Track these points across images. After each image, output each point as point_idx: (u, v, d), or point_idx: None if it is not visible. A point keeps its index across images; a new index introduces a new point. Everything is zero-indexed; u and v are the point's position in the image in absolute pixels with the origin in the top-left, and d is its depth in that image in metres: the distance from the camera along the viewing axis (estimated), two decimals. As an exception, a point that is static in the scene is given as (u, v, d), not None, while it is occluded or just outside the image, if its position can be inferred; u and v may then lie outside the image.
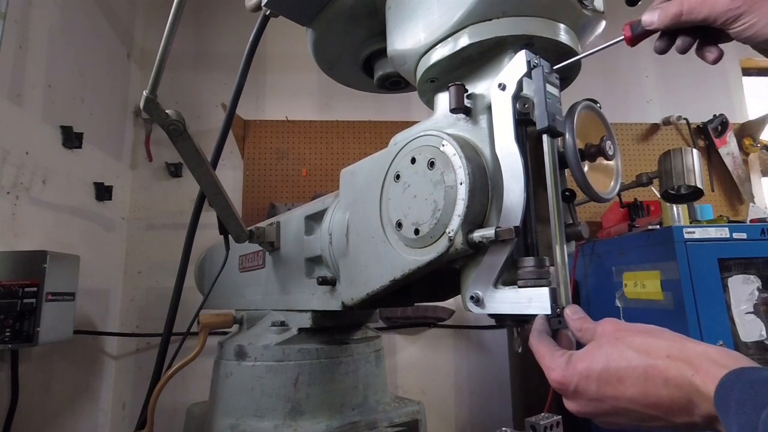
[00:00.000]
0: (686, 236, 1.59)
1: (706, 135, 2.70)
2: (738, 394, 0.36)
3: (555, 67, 0.61)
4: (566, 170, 0.65)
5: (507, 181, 0.59)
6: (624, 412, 0.44)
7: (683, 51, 0.55)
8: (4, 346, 1.43)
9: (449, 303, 2.33)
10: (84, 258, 1.71)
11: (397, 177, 0.70)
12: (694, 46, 0.55)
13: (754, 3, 0.47)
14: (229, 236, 1.03)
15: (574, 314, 0.52)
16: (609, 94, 2.74)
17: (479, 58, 0.68)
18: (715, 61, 0.54)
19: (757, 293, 1.61)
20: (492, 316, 0.63)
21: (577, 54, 0.69)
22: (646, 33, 0.54)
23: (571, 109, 0.64)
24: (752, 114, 2.85)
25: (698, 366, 0.40)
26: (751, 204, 2.59)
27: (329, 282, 0.88)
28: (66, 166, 1.94)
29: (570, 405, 0.48)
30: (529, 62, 0.59)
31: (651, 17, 0.52)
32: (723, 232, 1.62)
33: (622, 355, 0.44)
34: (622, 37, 0.56)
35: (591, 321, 0.51)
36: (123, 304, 2.38)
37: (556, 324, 0.55)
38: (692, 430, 0.42)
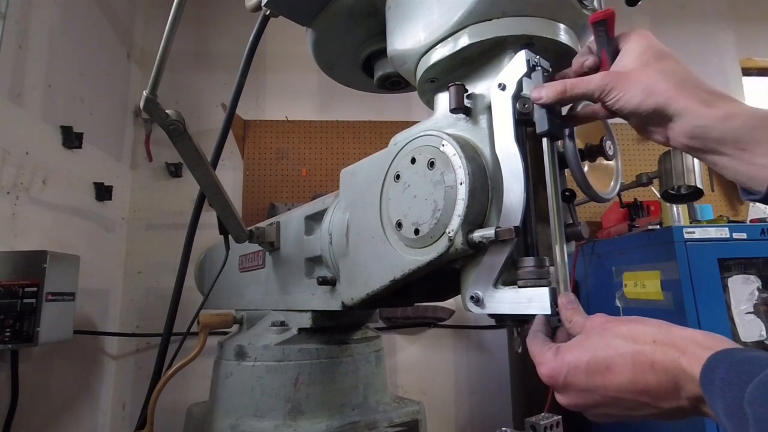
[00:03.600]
0: (686, 236, 1.59)
1: (707, 135, 2.70)
2: (723, 374, 0.36)
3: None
4: (566, 170, 0.65)
5: (507, 181, 0.59)
6: (614, 402, 0.44)
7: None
8: (4, 346, 1.43)
9: (449, 303, 2.33)
10: (84, 258, 1.71)
11: (397, 177, 0.70)
12: None
13: (617, 79, 0.53)
14: (229, 236, 1.03)
15: (567, 303, 0.53)
16: (609, 94, 2.73)
17: (479, 58, 0.68)
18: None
19: (757, 293, 1.61)
20: (492, 316, 0.63)
21: (577, 54, 0.69)
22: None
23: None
24: (752, 114, 2.84)
25: (684, 349, 0.41)
26: (751, 204, 2.59)
27: (329, 282, 0.88)
28: (66, 166, 1.94)
29: (561, 398, 0.48)
30: (528, 62, 0.59)
31: (539, 93, 0.57)
32: (723, 232, 1.62)
33: (610, 343, 0.45)
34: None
35: (582, 314, 0.51)
36: (123, 304, 2.38)
37: (555, 322, 0.55)
38: (679, 414, 0.43)
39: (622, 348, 0.44)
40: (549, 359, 0.48)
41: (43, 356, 1.79)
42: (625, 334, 0.45)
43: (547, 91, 0.57)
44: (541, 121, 0.57)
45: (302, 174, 2.55)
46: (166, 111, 0.82)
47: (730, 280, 1.61)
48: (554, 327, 0.55)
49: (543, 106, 0.57)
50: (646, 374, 0.42)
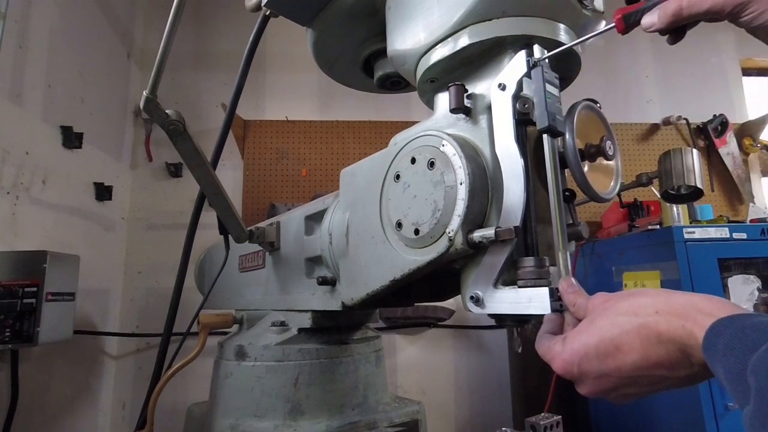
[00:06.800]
0: (686, 236, 1.59)
1: (706, 135, 2.71)
2: (728, 339, 0.36)
3: (548, 55, 0.60)
4: (566, 170, 0.65)
5: (507, 181, 0.59)
6: (631, 381, 0.44)
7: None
8: (4, 346, 1.43)
9: (449, 303, 2.33)
10: (84, 258, 1.71)
11: (397, 177, 0.70)
12: None
13: None
14: (229, 236, 1.03)
15: (568, 288, 0.52)
16: (609, 94, 2.74)
17: (479, 58, 0.68)
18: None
19: (757, 293, 1.61)
20: (492, 316, 0.63)
21: (577, 54, 0.69)
22: (639, 22, 0.54)
23: (571, 109, 0.64)
24: (752, 114, 2.85)
25: (686, 316, 0.40)
26: (751, 204, 2.59)
27: (329, 282, 0.88)
28: (66, 166, 1.94)
29: (580, 389, 0.48)
30: (528, 62, 0.59)
31: (651, 19, 0.51)
32: (723, 232, 1.62)
33: (614, 322, 0.44)
34: (613, 25, 0.55)
35: (584, 295, 0.51)
36: (123, 304, 2.38)
37: (557, 306, 0.54)
38: (696, 380, 0.42)
39: (627, 324, 0.43)
40: (558, 352, 0.48)
41: (43, 356, 1.79)
42: (626, 309, 0.44)
43: (660, 15, 0.50)
44: (541, 117, 0.57)
45: (302, 174, 2.55)
46: (166, 111, 0.82)
47: (730, 280, 1.61)
48: (560, 311, 0.54)
49: (660, 32, 0.51)
50: (655, 347, 0.41)
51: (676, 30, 0.52)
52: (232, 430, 0.93)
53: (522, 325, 0.67)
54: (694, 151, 1.76)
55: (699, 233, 1.60)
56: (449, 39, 0.68)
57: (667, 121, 2.72)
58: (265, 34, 0.94)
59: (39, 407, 1.78)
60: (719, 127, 2.68)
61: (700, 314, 0.40)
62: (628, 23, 0.54)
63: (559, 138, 0.60)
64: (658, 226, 1.80)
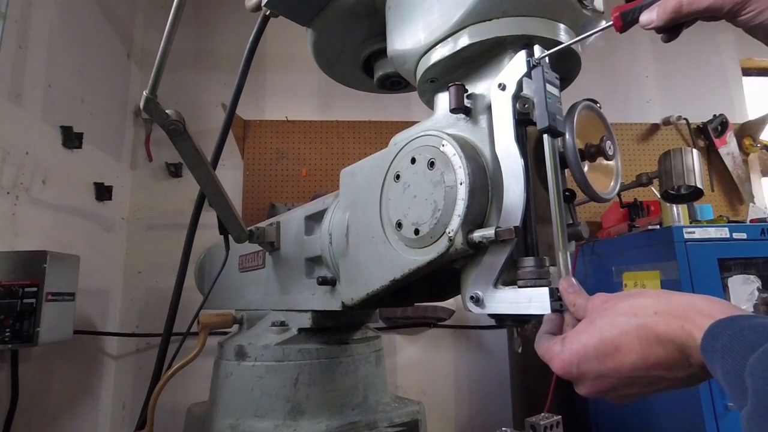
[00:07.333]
0: (686, 236, 1.59)
1: (706, 135, 2.71)
2: (726, 340, 0.36)
3: (546, 54, 0.60)
4: (566, 170, 0.65)
5: (507, 181, 0.59)
6: (630, 381, 0.44)
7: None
8: (4, 346, 1.43)
9: (449, 303, 2.33)
10: (84, 258, 1.71)
11: (397, 177, 0.70)
12: None
13: None
14: (229, 236, 1.03)
15: (569, 288, 0.52)
16: (609, 94, 2.74)
17: (479, 58, 0.68)
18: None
19: (757, 293, 1.61)
20: (492, 316, 0.63)
21: (577, 54, 0.69)
22: (637, 20, 0.54)
23: (571, 109, 0.64)
24: (752, 114, 2.85)
25: (686, 317, 0.40)
26: (751, 204, 2.59)
27: (329, 282, 0.88)
28: (66, 166, 1.94)
29: (579, 389, 0.48)
30: (528, 62, 0.59)
31: (650, 16, 0.51)
32: (723, 232, 1.62)
33: (613, 323, 0.44)
34: (611, 23, 0.55)
35: (584, 296, 0.51)
36: (123, 304, 2.38)
37: (557, 306, 0.54)
38: (695, 381, 0.42)
39: (626, 325, 0.43)
40: (557, 352, 0.48)
41: (43, 356, 1.79)
42: (626, 310, 0.44)
43: (659, 12, 0.49)
44: (541, 117, 0.57)
45: (302, 174, 2.55)
46: (166, 111, 0.82)
47: (730, 280, 1.61)
48: (560, 311, 0.54)
49: (658, 30, 0.51)
50: (654, 347, 0.41)
51: (672, 28, 0.52)
52: (232, 430, 0.93)
53: (522, 325, 0.68)
54: (694, 151, 1.76)
55: (699, 233, 1.60)
56: (449, 39, 0.68)
57: (667, 121, 2.72)
58: (265, 34, 0.94)
59: (39, 407, 1.78)
60: (719, 127, 2.68)
61: (699, 315, 0.40)
62: (625, 21, 0.54)
63: (559, 138, 0.60)
64: (658, 226, 1.80)
